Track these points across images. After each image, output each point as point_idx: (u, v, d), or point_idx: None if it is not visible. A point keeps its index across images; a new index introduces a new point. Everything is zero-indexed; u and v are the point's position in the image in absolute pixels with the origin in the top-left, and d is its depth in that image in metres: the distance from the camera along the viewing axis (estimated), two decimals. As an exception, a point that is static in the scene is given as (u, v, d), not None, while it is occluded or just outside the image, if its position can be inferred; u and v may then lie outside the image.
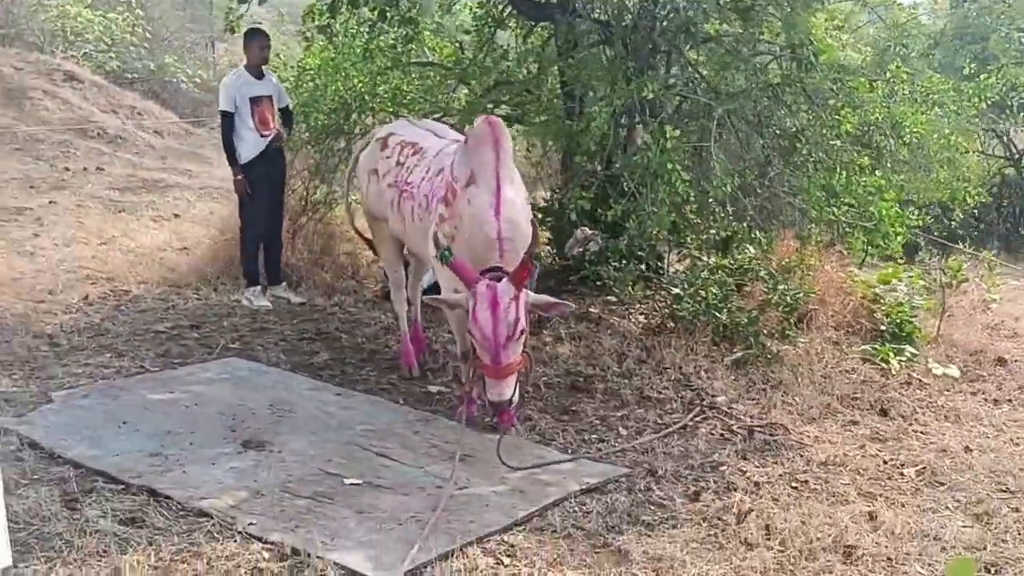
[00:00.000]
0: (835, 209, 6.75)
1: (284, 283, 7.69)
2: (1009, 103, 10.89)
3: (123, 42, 21.24)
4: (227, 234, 8.28)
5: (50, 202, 10.87)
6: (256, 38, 7.46)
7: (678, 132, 6.58)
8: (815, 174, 6.79)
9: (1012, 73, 8.50)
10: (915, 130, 7.00)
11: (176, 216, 10.90)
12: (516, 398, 4.77)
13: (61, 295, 7.30)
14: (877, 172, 6.77)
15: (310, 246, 8.25)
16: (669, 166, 6.17)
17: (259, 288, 7.46)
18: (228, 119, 7.27)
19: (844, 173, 6.72)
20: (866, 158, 6.86)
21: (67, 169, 13.39)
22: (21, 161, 13.82)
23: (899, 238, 6.84)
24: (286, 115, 7.71)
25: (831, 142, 6.80)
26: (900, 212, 6.67)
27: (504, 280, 4.62)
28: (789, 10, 6.62)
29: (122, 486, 4.35)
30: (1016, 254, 11.31)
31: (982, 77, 8.62)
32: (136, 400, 5.37)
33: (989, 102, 9.77)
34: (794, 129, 6.89)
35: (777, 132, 6.92)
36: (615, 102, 6.56)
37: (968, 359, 7.66)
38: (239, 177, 7.34)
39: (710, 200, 7.12)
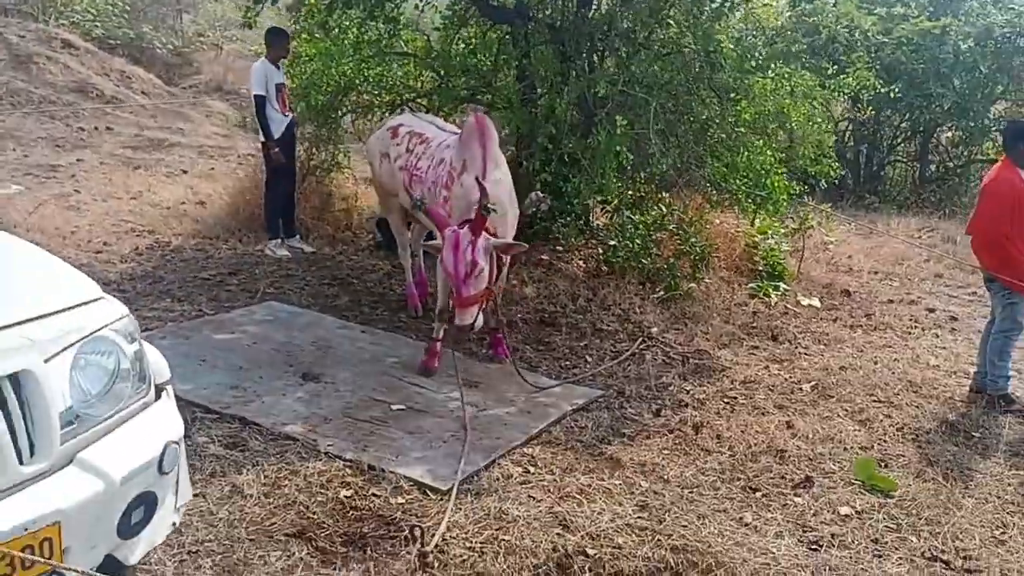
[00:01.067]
0: (736, 181, 6.93)
1: (298, 235, 7.58)
2: (860, 97, 11.26)
3: (105, 12, 20.13)
4: (246, 193, 8.08)
5: (77, 160, 10.37)
6: (284, 38, 7.33)
7: (625, 120, 6.63)
8: (722, 153, 6.94)
9: (863, 75, 8.81)
10: (797, 120, 7.21)
11: (184, 172, 10.51)
12: (478, 323, 4.72)
13: (115, 246, 7.07)
14: (768, 152, 6.95)
15: (312, 204, 8.11)
16: (617, 148, 6.26)
17: (279, 240, 7.35)
18: (262, 101, 7.08)
19: (744, 152, 6.90)
20: (760, 141, 7.03)
21: (81, 129, 12.71)
22: (40, 121, 13.06)
23: (785, 205, 7.08)
24: None
25: (734, 128, 6.93)
26: (787, 184, 6.89)
27: (465, 227, 4.63)
28: (707, 23, 6.70)
29: (216, 415, 4.35)
30: (858, 208, 11.82)
31: (841, 77, 8.90)
32: (205, 340, 5.32)
33: (847, 96, 10.13)
34: (704, 116, 7.00)
35: (691, 119, 7.02)
36: (570, 95, 6.58)
37: (822, 291, 8.04)
38: (276, 149, 7.17)
39: (643, 174, 7.21)
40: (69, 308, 2.52)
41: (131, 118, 14.78)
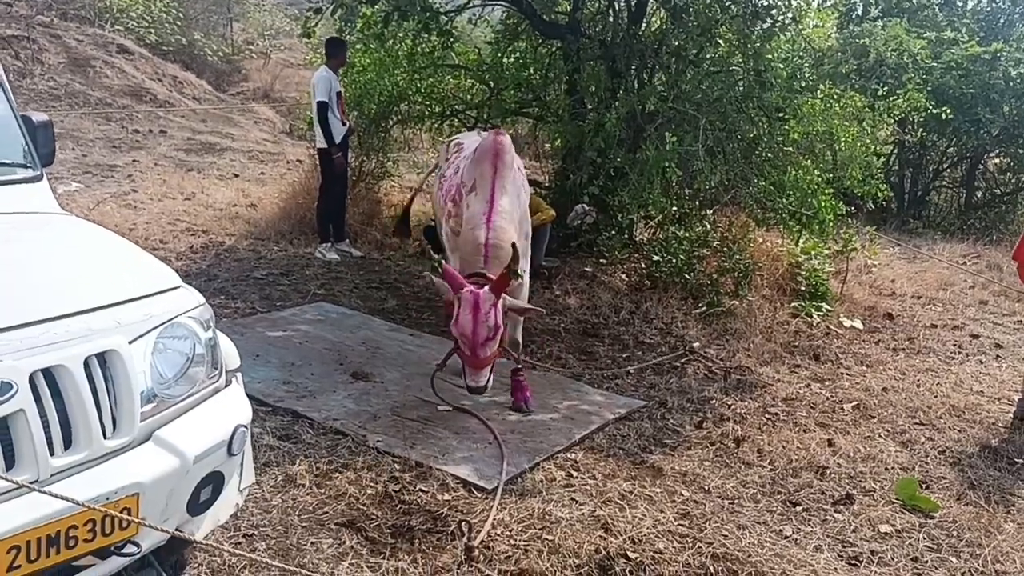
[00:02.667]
0: (782, 200, 6.98)
1: (347, 239, 7.76)
2: (909, 119, 11.25)
3: (159, 19, 20.64)
4: (297, 197, 8.28)
5: (133, 161, 10.69)
6: (344, 48, 7.54)
7: (675, 138, 6.72)
8: (769, 171, 7.00)
9: (915, 97, 8.80)
10: (845, 140, 7.24)
11: (236, 175, 10.79)
12: (490, 384, 4.48)
13: (171, 244, 7.29)
14: (815, 172, 6.99)
15: (361, 210, 8.29)
16: (665, 163, 6.35)
17: (330, 244, 7.53)
18: (325, 107, 7.28)
19: (791, 172, 6.94)
20: (808, 161, 7.07)
21: (136, 131, 13.09)
22: (96, 123, 13.46)
23: (831, 225, 7.12)
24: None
25: (782, 147, 6.99)
26: (834, 204, 6.92)
27: (486, 288, 4.36)
28: (757, 43, 6.77)
29: (269, 408, 4.48)
30: (902, 232, 11.76)
31: (891, 99, 8.92)
32: (258, 337, 5.47)
33: (896, 118, 10.13)
34: (752, 135, 7.06)
35: (739, 137, 7.09)
36: (620, 110, 6.69)
37: (865, 313, 8.03)
38: (338, 155, 7.37)
39: (688, 191, 7.29)
40: (152, 294, 2.68)
41: (183, 122, 15.17)
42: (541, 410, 4.86)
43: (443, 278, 4.43)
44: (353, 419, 4.45)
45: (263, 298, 6.27)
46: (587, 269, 7.67)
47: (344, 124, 7.43)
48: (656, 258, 7.29)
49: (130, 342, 2.51)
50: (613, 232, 7.61)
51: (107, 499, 2.34)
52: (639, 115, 6.76)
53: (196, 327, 2.76)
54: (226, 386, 2.91)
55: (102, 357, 2.44)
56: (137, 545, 2.46)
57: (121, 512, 2.38)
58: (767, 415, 5.19)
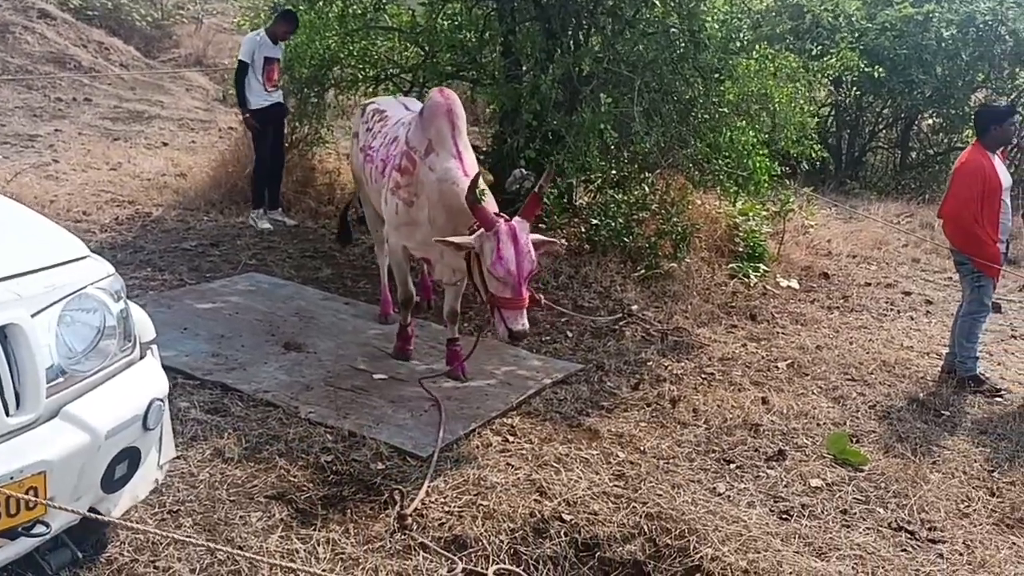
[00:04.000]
0: (718, 161, 7.00)
1: (280, 208, 7.60)
2: (843, 80, 11.35)
3: (83, -19, 19.86)
4: (227, 165, 8.08)
5: (56, 130, 10.31)
6: (289, 21, 7.41)
7: (610, 99, 6.67)
8: (705, 133, 7.01)
9: (847, 56, 8.88)
10: (780, 101, 7.28)
11: (165, 144, 10.48)
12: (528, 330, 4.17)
13: (94, 216, 7.07)
14: (751, 132, 7.02)
15: (295, 177, 8.11)
16: (601, 125, 6.31)
17: (262, 211, 7.37)
18: (243, 68, 7.14)
19: (727, 132, 6.96)
20: (743, 122, 7.10)
21: (59, 99, 12.61)
22: (16, 91, 12.93)
23: (767, 186, 7.17)
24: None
25: (717, 108, 6.99)
26: (769, 165, 6.97)
27: (518, 218, 4.14)
28: (692, 3, 6.74)
29: (197, 382, 4.40)
30: (839, 194, 11.94)
31: (825, 59, 8.98)
32: (187, 309, 5.36)
33: (830, 78, 10.20)
34: (688, 96, 7.04)
35: (675, 98, 7.07)
36: (556, 72, 6.62)
37: (801, 273, 8.14)
38: (247, 115, 7.23)
39: (616, 148, 7.27)
40: (56, 265, 2.57)
41: (110, 90, 14.67)
42: (478, 376, 4.84)
43: (476, 212, 4.06)
44: (285, 390, 4.38)
45: (192, 269, 6.12)
46: (527, 235, 7.63)
47: (269, 91, 7.24)
48: (595, 222, 7.29)
49: (32, 315, 2.41)
50: (551, 197, 7.58)
51: (11, 479, 2.25)
52: (575, 77, 6.69)
53: (106, 298, 2.65)
54: (140, 359, 2.82)
55: (2, 331, 2.34)
56: (47, 525, 2.38)
57: (27, 492, 2.29)
58: (703, 375, 5.25)
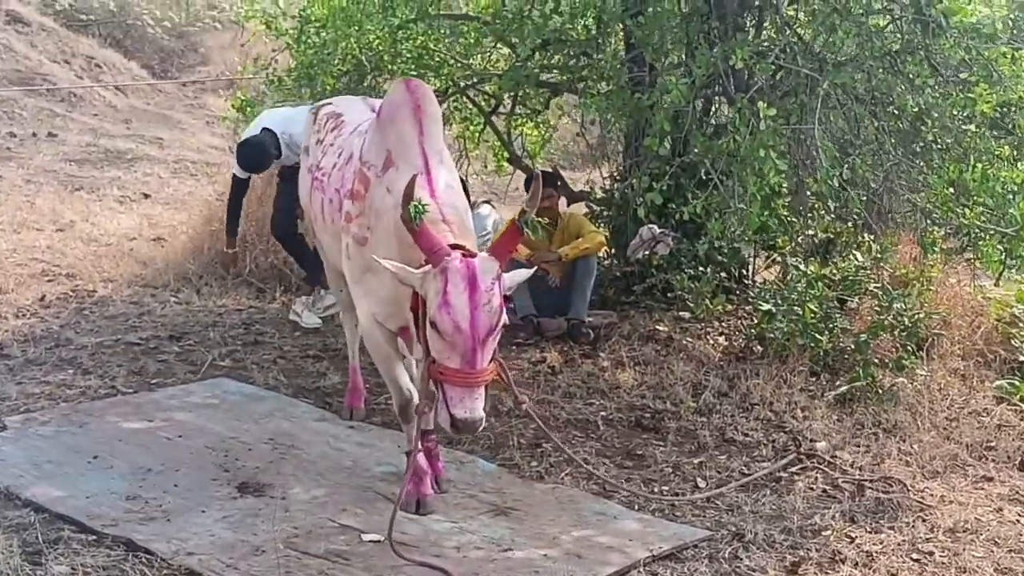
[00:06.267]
0: (966, 210, 6.77)
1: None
2: None
3: (77, -24, 21.36)
4: (212, 223, 8.42)
5: (-7, 176, 11.10)
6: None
7: (773, 111, 6.60)
8: (942, 165, 6.80)
9: None
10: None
11: (146, 196, 11.09)
12: (484, 418, 4.34)
13: (12, 294, 7.49)
14: (1020, 164, 6.77)
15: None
16: (761, 152, 6.21)
17: (315, 296, 7.67)
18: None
19: (978, 165, 6.73)
20: (1006, 147, 6.87)
21: (12, 135, 13.63)
22: (-44, 122, 14.09)
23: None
24: None
25: (963, 126, 6.80)
26: (1053, 218, 6.69)
27: (484, 255, 4.34)
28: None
29: (94, 536, 4.47)
30: None
31: None
32: (107, 429, 5.51)
33: None
34: (916, 108, 6.89)
35: (895, 112, 6.93)
36: (695, 71, 6.62)
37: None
38: None
39: (809, 195, 7.15)
40: None
41: (89, 122, 15.72)
42: (533, 541, 4.72)
43: (416, 238, 4.28)
44: (220, 554, 4.39)
45: (132, 373, 6.37)
46: (660, 328, 7.58)
47: None
48: (765, 307, 7.13)
49: None
50: (701, 269, 7.50)
51: None
52: (725, 76, 6.67)
53: None
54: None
55: None
56: None
57: None
58: (914, 555, 4.94)
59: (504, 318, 4.35)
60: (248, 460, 5.29)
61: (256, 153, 7.36)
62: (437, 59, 8.48)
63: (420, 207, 4.30)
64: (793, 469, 5.82)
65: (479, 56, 8.76)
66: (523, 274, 4.67)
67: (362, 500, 4.97)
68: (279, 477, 5.12)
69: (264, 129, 7.48)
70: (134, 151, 13.53)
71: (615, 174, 8.54)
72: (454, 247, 4.32)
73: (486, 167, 10.58)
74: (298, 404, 6.10)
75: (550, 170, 8.85)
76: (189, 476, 5.06)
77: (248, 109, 8.89)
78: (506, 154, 9.55)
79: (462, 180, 8.11)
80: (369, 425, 5.91)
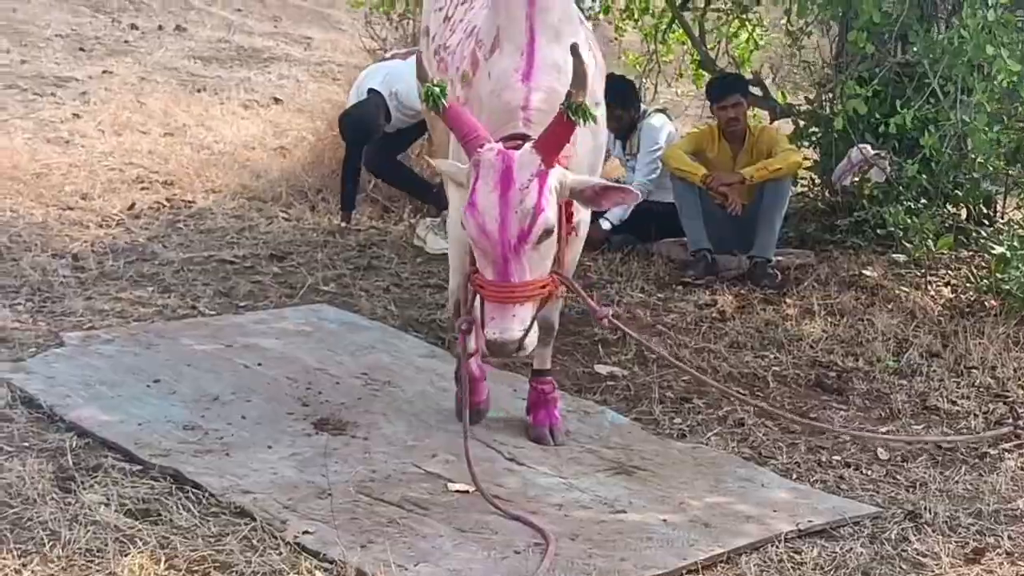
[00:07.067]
0: None
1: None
2: None
3: None
4: (336, 129, 8.63)
5: (104, 72, 11.57)
6: None
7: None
8: None
9: None
10: None
11: (277, 101, 11.37)
12: (531, 341, 4.48)
13: (98, 201, 7.83)
14: None
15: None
16: (990, 50, 6.06)
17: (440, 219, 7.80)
18: None
19: None
20: None
21: (134, 27, 14.14)
22: (73, 12, 14.68)
23: None
24: None
25: None
26: None
27: (526, 147, 4.41)
28: None
29: (139, 466, 4.67)
30: None
31: None
32: (176, 351, 5.73)
33: None
34: None
35: None
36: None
37: None
38: None
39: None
40: None
41: (230, 16, 16.16)
42: (652, 505, 4.76)
43: (447, 120, 4.50)
44: (280, 493, 4.55)
45: (219, 293, 6.62)
46: (867, 273, 7.52)
47: None
48: (999, 250, 6.97)
49: None
50: (925, 202, 7.36)
51: None
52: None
53: None
54: None
55: None
56: None
57: None
58: None
59: (547, 223, 4.39)
60: (333, 395, 5.45)
61: (360, 125, 7.62)
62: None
63: (435, 88, 4.45)
64: (1005, 445, 5.72)
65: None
66: (592, 181, 4.67)
67: (457, 447, 4.99)
68: (365, 415, 5.26)
69: (370, 91, 7.68)
70: (272, 50, 13.89)
71: (821, 82, 8.42)
72: (513, 137, 4.45)
73: (681, 75, 10.54)
74: (405, 337, 6.24)
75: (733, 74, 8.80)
76: (260, 407, 5.24)
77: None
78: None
79: (631, 83, 8.19)
80: (487, 366, 5.98)
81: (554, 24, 4.78)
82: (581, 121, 4.36)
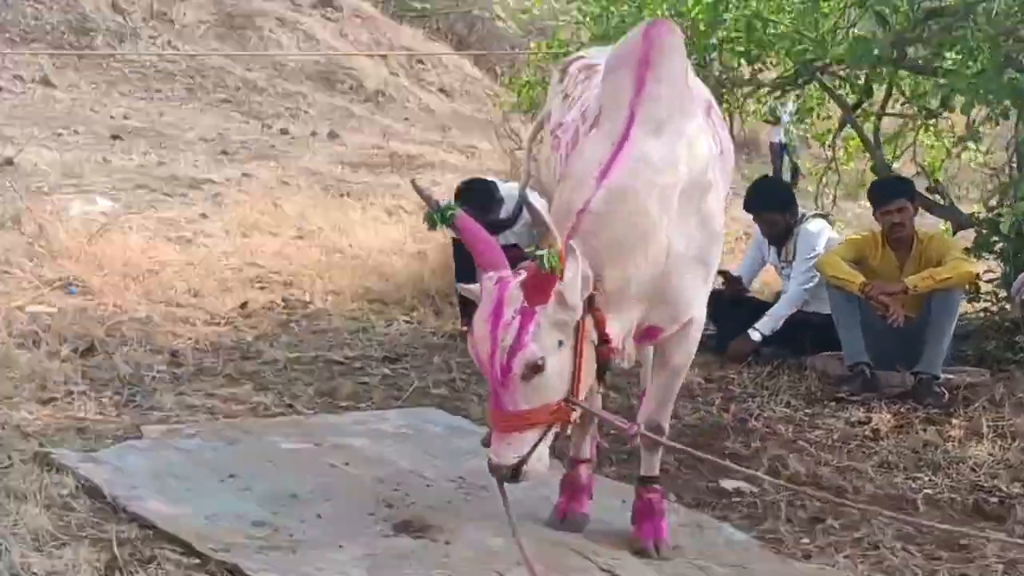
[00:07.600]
0: None
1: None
2: None
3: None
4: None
5: (243, 175, 11.97)
6: None
7: None
8: None
9: None
10: None
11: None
12: (534, 469, 4.55)
13: (209, 299, 8.09)
14: None
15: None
16: None
17: None
18: None
19: None
20: None
21: (285, 132, 14.63)
22: (225, 117, 15.27)
23: None
24: None
25: None
26: None
27: (515, 281, 4.45)
28: None
29: (196, 560, 4.76)
30: None
31: None
32: (259, 448, 5.88)
33: None
34: None
35: None
36: None
37: None
38: None
39: None
40: None
41: (394, 125, 16.60)
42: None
43: (461, 236, 4.65)
44: (345, 600, 4.62)
45: (320, 393, 6.76)
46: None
47: None
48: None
49: None
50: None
51: None
52: None
53: None
54: None
55: None
56: None
57: None
58: None
59: (528, 361, 4.39)
60: (421, 497, 5.48)
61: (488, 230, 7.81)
62: (770, 32, 8.52)
63: (439, 214, 4.55)
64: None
65: (835, 30, 8.76)
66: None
67: (548, 556, 5.02)
68: (453, 519, 5.26)
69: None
70: (428, 156, 14.22)
71: (996, 188, 8.36)
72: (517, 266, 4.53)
73: (863, 186, 10.49)
74: (513, 444, 6.29)
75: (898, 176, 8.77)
76: (339, 506, 5.29)
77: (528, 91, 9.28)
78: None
79: (788, 190, 8.28)
80: (597, 474, 6.02)
81: (659, 117, 4.75)
82: (547, 268, 4.31)
